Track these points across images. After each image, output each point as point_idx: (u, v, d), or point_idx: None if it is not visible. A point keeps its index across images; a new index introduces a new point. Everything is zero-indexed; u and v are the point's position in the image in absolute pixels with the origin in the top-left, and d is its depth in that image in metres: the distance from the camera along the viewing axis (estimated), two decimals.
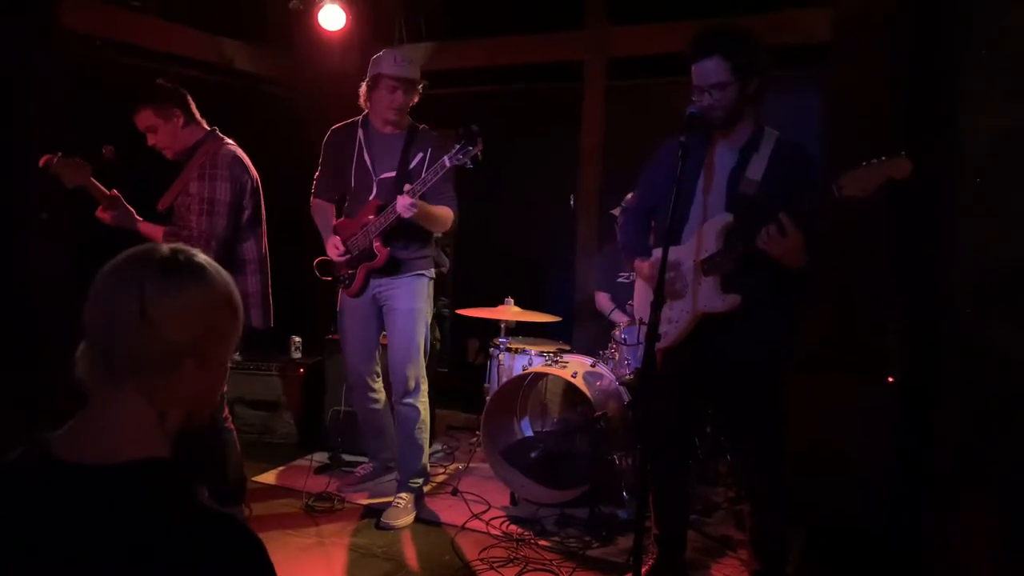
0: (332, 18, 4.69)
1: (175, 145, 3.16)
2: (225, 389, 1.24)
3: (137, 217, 3.17)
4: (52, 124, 3.82)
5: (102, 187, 3.09)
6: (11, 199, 3.72)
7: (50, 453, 1.07)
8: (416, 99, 3.46)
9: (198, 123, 3.21)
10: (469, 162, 3.12)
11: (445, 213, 3.41)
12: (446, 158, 3.14)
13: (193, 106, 3.20)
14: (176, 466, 1.10)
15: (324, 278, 3.70)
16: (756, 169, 2.54)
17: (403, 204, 3.19)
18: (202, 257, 1.16)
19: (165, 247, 1.15)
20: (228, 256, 3.13)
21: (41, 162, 2.95)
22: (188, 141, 3.18)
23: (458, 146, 3.12)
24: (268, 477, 4.05)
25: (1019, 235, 2.03)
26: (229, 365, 1.22)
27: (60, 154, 2.96)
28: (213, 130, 3.23)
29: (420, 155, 3.44)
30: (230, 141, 3.23)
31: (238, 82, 5.17)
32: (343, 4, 4.66)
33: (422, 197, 3.25)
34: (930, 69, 2.59)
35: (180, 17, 4.69)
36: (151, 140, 3.15)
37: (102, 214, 3.13)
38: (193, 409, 1.16)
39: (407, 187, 3.23)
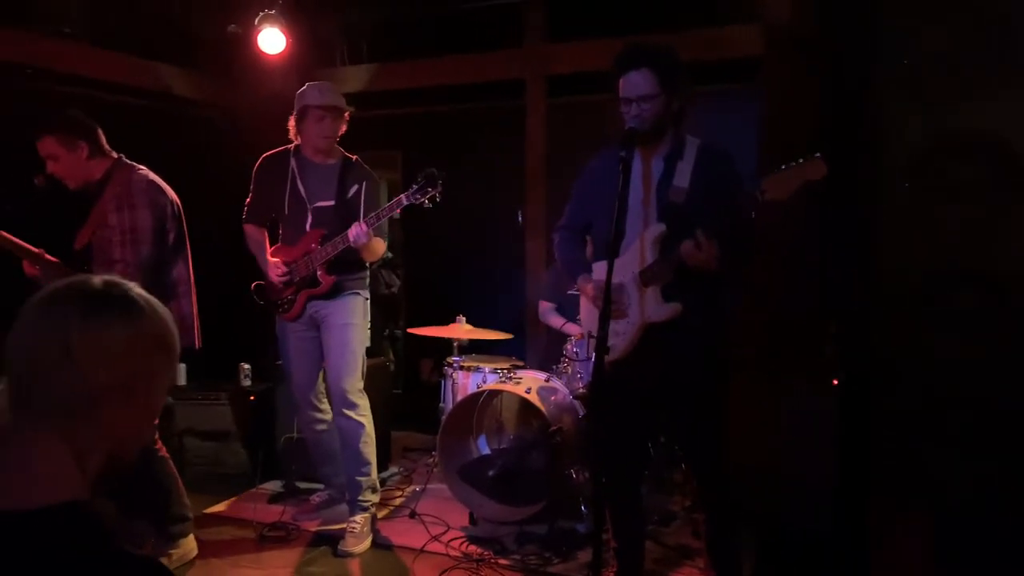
0: (272, 42, 4.65)
1: (77, 175, 3.12)
2: (156, 422, 1.21)
3: (63, 268, 3.11)
4: None
5: (17, 240, 3.05)
6: None
7: None
8: (344, 127, 3.54)
9: (106, 154, 3.16)
10: (427, 202, 3.24)
11: (381, 245, 3.54)
12: (403, 196, 3.27)
13: (102, 138, 3.16)
14: (96, 509, 1.05)
15: (260, 302, 3.66)
16: (683, 176, 2.60)
17: (357, 232, 3.28)
18: (136, 291, 1.12)
19: (97, 280, 1.10)
20: (158, 282, 3.10)
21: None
22: (95, 173, 3.13)
23: (416, 186, 3.25)
24: (220, 508, 3.96)
25: (942, 238, 2.12)
26: (162, 402, 1.18)
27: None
28: (120, 158, 3.18)
29: (356, 186, 3.53)
30: (141, 167, 3.19)
31: (175, 107, 5.09)
32: (282, 27, 4.63)
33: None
34: (855, 80, 2.68)
35: (114, 43, 4.61)
36: (50, 167, 3.09)
37: (29, 268, 3.08)
38: (118, 449, 1.12)
39: (364, 219, 3.34)
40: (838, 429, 2.89)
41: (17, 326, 1.07)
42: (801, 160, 2.32)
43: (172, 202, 3.20)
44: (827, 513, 2.92)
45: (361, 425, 3.55)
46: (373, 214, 3.35)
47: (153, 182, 3.16)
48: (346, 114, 3.52)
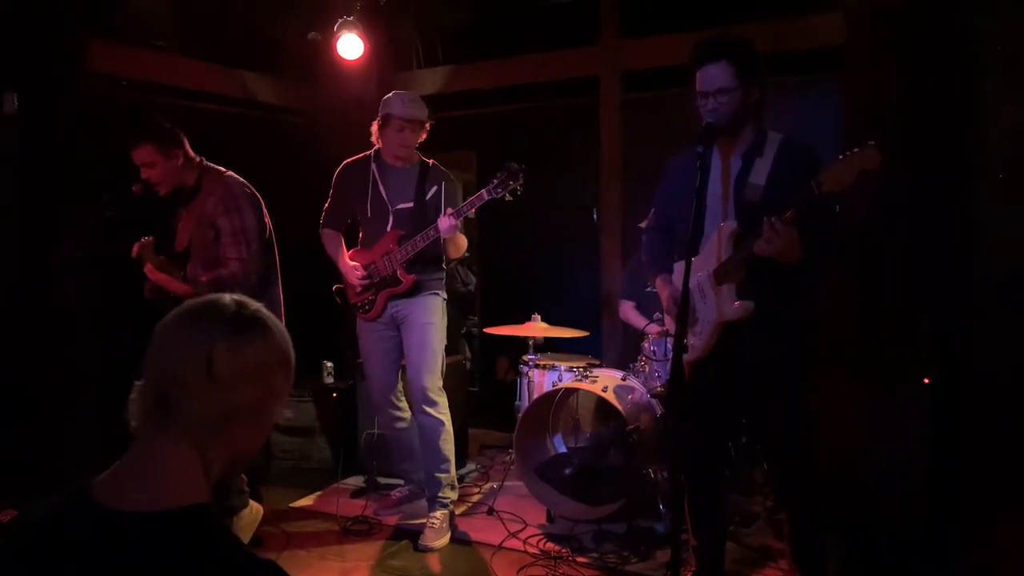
0: (350, 47, 4.76)
1: (171, 181, 3.27)
2: None
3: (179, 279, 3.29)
4: (79, 164, 3.92)
5: (168, 269, 3.26)
6: (40, 237, 3.83)
7: (93, 499, 1.07)
8: (424, 136, 3.62)
9: (192, 159, 3.31)
10: (508, 195, 3.32)
11: (464, 241, 3.62)
12: (484, 191, 3.36)
13: (188, 144, 3.31)
14: (217, 511, 1.10)
15: (341, 304, 3.76)
16: (760, 173, 2.55)
17: (447, 224, 3.37)
18: (264, 311, 1.18)
19: (229, 301, 1.15)
20: (265, 273, 3.31)
21: (134, 250, 3.23)
22: (188, 178, 3.29)
23: (496, 180, 3.33)
24: (305, 502, 4.08)
25: None
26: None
27: (152, 238, 3.24)
28: (202, 161, 3.33)
29: (435, 188, 3.61)
30: (226, 170, 3.34)
31: (261, 114, 5.26)
32: (360, 33, 4.73)
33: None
34: (946, 67, 2.57)
35: (203, 54, 4.81)
36: (145, 174, 3.24)
37: (152, 273, 3.25)
38: (237, 458, 1.18)
39: (449, 210, 3.43)
40: (930, 428, 2.78)
41: (158, 342, 1.12)
42: (856, 149, 2.26)
43: (259, 198, 3.37)
44: (917, 514, 2.81)
45: (441, 423, 3.61)
46: (462, 206, 3.43)
47: (244, 183, 3.33)
48: (427, 124, 3.59)
